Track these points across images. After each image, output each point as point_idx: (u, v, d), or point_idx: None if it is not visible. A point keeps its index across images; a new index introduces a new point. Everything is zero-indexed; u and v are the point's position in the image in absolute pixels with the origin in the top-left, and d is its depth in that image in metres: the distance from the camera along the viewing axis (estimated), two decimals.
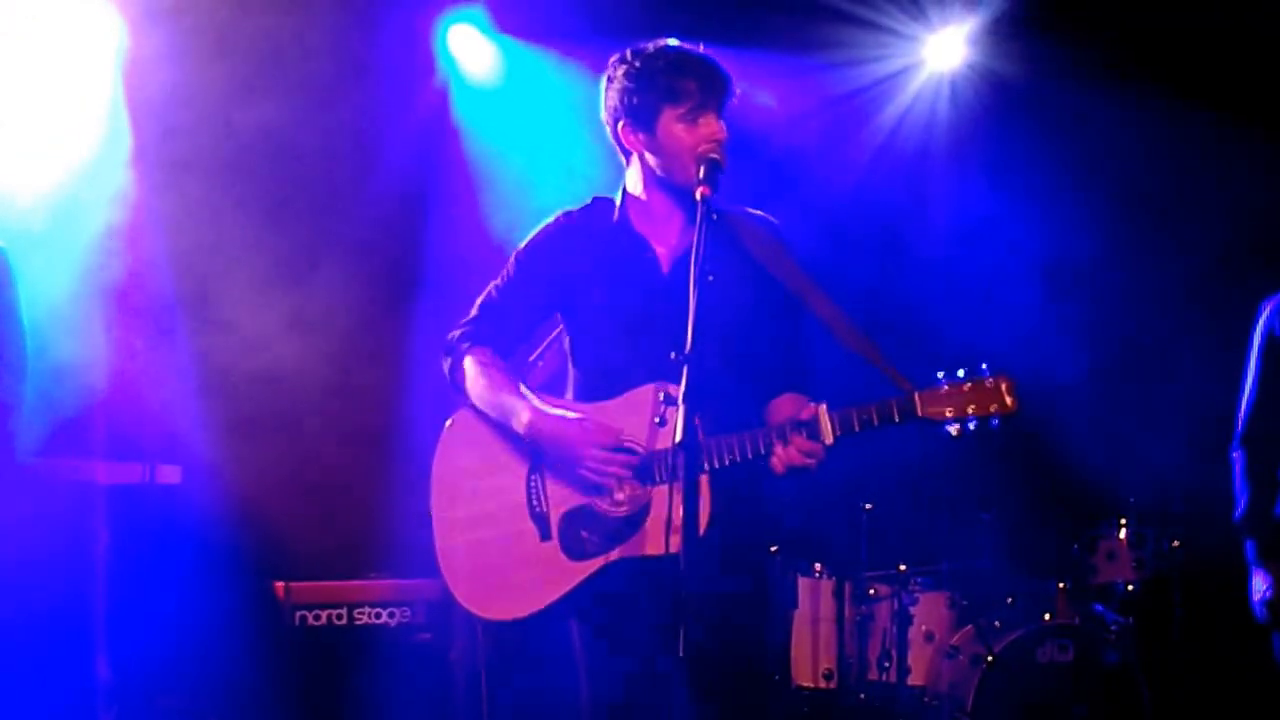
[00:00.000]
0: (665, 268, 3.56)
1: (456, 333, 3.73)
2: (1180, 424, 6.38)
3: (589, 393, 3.59)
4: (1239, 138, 6.59)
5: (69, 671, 5.32)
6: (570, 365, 3.71)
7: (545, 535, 3.51)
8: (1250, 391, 4.19)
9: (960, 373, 3.26)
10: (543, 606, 3.50)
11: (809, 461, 3.30)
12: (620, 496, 3.45)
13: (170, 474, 5.69)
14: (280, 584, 5.75)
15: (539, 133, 6.95)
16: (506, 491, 3.58)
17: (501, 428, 3.59)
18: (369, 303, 6.68)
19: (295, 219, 6.48)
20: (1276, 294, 4.20)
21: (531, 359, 4.02)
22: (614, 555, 3.44)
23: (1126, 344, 7.03)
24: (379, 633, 5.79)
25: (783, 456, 3.31)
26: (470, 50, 6.92)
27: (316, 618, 5.75)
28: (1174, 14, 6.56)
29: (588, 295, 3.61)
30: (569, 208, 3.73)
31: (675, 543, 3.18)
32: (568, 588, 3.47)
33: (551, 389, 3.73)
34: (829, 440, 3.28)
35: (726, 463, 3.34)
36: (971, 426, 3.23)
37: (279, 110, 6.32)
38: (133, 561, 5.59)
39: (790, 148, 6.96)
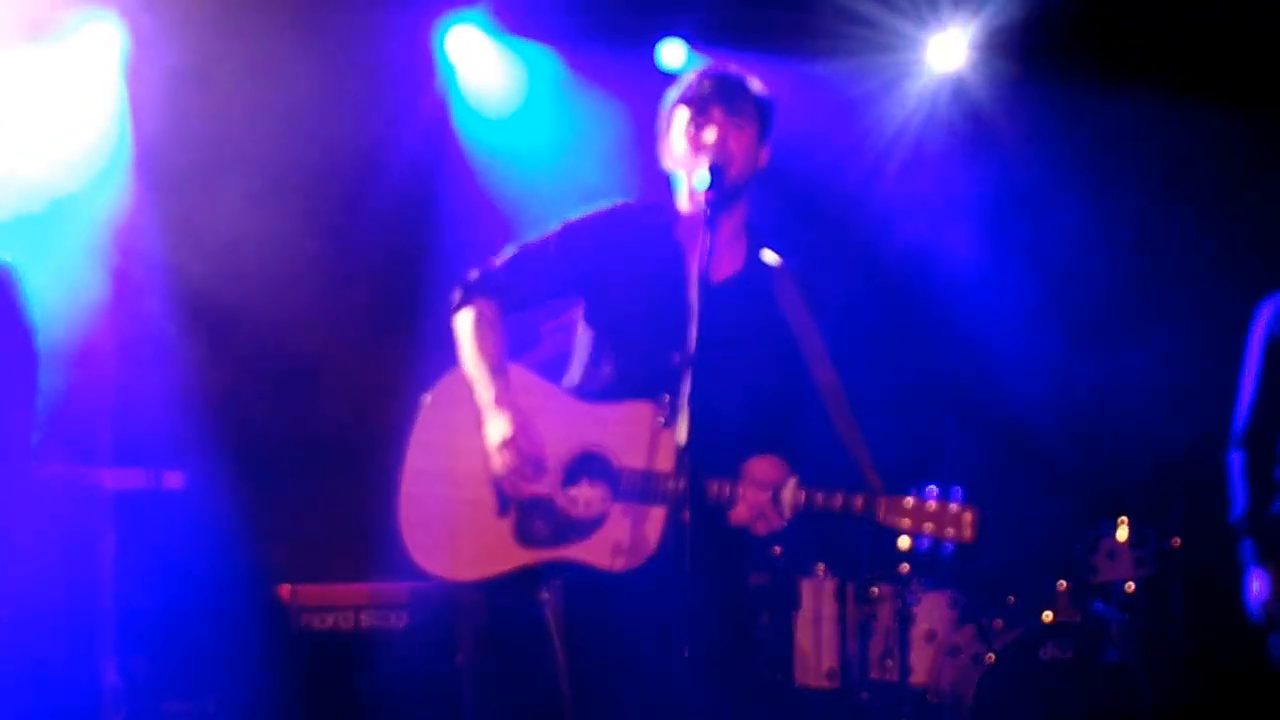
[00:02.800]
0: (694, 284, 3.53)
1: (476, 274, 3.71)
2: (1180, 423, 6.39)
3: (592, 389, 3.60)
4: (1241, 137, 6.59)
5: (76, 676, 5.34)
6: (577, 354, 3.71)
7: (502, 511, 3.51)
8: (1249, 392, 4.20)
9: (932, 489, 3.27)
10: (476, 578, 3.54)
11: (760, 528, 3.34)
12: (579, 498, 3.47)
13: (175, 479, 5.71)
14: (285, 587, 5.77)
15: (541, 135, 6.97)
16: (477, 456, 3.55)
17: None
18: (373, 306, 6.69)
19: (297, 223, 6.49)
20: (1275, 294, 4.22)
21: (545, 328, 4.02)
22: (558, 554, 3.45)
23: (1126, 343, 7.04)
24: (384, 636, 5.80)
25: (742, 513, 3.34)
26: (471, 52, 6.93)
27: (321, 621, 5.75)
28: (1174, 14, 6.57)
29: (617, 293, 3.62)
30: (627, 201, 3.74)
31: (618, 562, 3.32)
32: (505, 569, 3.49)
33: (550, 370, 3.73)
34: (786, 514, 3.31)
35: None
36: (924, 545, 3.26)
37: (280, 115, 6.34)
38: (139, 567, 5.61)
39: (785, 149, 6.96)
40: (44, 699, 5.09)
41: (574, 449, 3.51)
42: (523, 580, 3.51)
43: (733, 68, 3.68)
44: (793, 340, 3.56)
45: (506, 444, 3.46)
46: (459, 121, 6.96)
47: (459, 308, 3.70)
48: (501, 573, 3.49)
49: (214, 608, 5.86)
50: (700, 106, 3.56)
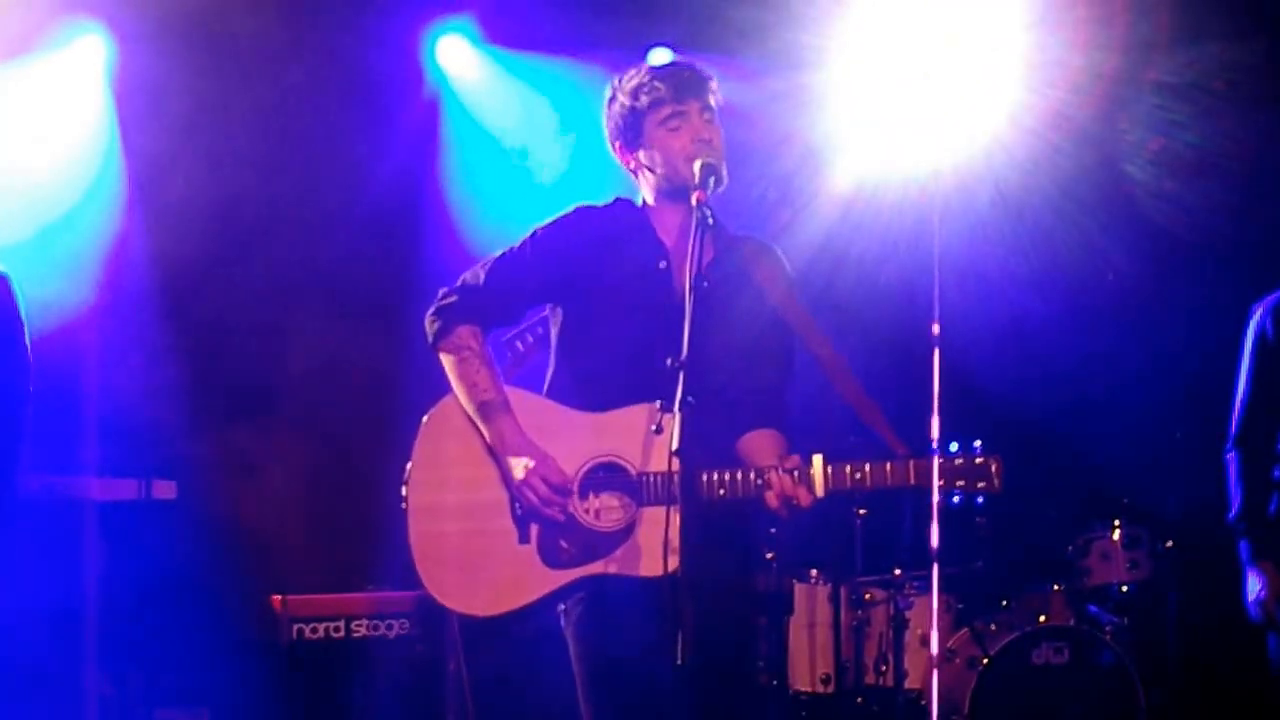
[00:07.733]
0: (676, 277, 3.54)
1: (453, 298, 3.67)
2: (1175, 424, 6.39)
3: (581, 398, 3.57)
4: (1244, 135, 6.58)
5: (64, 689, 5.32)
6: (557, 361, 3.69)
7: (524, 539, 3.49)
8: (1243, 393, 4.21)
9: (953, 447, 3.37)
10: (511, 609, 3.50)
11: (786, 511, 3.34)
12: (600, 510, 3.46)
13: (165, 489, 5.70)
14: (277, 597, 5.74)
15: (528, 142, 6.96)
16: (488, 486, 3.54)
17: None
18: (361, 316, 6.67)
19: (286, 232, 6.48)
20: (1268, 296, 4.22)
21: (507, 339, 3.99)
22: (594, 569, 3.44)
23: (1119, 344, 7.03)
24: (376, 645, 5.77)
25: (773, 499, 3.34)
26: (460, 61, 6.92)
27: (314, 630, 5.73)
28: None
29: (594, 295, 3.60)
30: (591, 204, 3.73)
31: (657, 567, 3.21)
32: (540, 594, 3.48)
33: (528, 381, 3.71)
34: (820, 493, 3.32)
35: (721, 495, 3.36)
36: (956, 500, 3.34)
37: (267, 126, 6.33)
38: (128, 578, 5.59)
39: (777, 149, 6.95)
40: (32, 712, 5.07)
41: (584, 462, 3.49)
42: (551, 604, 3.51)
43: (681, 61, 3.70)
44: (773, 310, 3.55)
45: (530, 476, 3.45)
46: (448, 130, 6.94)
47: (441, 336, 3.66)
48: (534, 600, 3.48)
49: (206, 617, 5.84)
50: (674, 100, 3.55)
